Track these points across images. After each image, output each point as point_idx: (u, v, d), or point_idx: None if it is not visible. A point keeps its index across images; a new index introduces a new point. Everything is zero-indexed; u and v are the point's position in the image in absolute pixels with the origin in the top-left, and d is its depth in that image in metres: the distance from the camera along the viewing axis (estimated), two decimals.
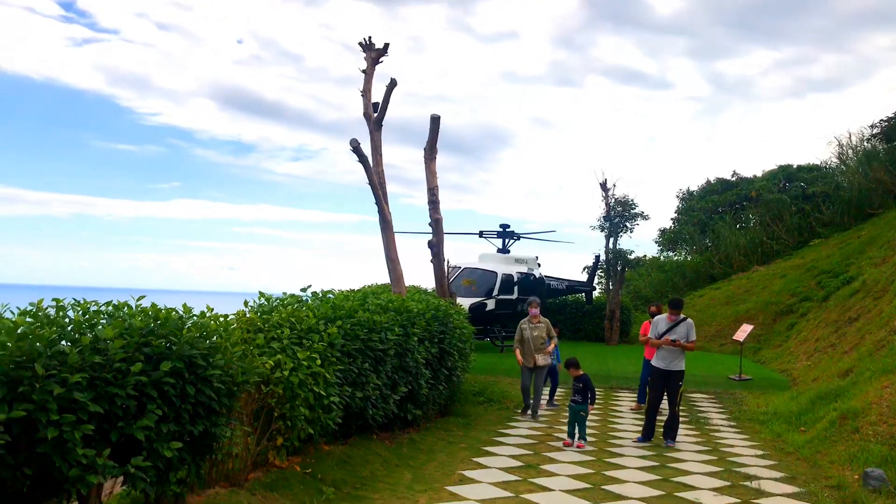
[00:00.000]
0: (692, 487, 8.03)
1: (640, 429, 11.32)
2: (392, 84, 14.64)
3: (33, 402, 4.32)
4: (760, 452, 10.09)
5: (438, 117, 14.63)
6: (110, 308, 5.36)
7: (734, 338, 19.63)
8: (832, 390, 12.53)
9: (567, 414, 10.47)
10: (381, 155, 14.66)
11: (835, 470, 8.91)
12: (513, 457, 9.17)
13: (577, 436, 10.04)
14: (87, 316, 5.12)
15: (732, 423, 12.48)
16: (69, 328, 4.93)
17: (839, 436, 10.06)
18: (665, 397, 10.46)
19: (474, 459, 8.93)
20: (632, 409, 13.56)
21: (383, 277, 17.02)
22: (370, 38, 15.28)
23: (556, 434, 10.79)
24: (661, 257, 43.36)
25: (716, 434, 11.44)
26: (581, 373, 10.30)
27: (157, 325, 5.29)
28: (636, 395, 14.50)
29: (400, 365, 9.29)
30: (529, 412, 12.38)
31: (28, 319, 4.73)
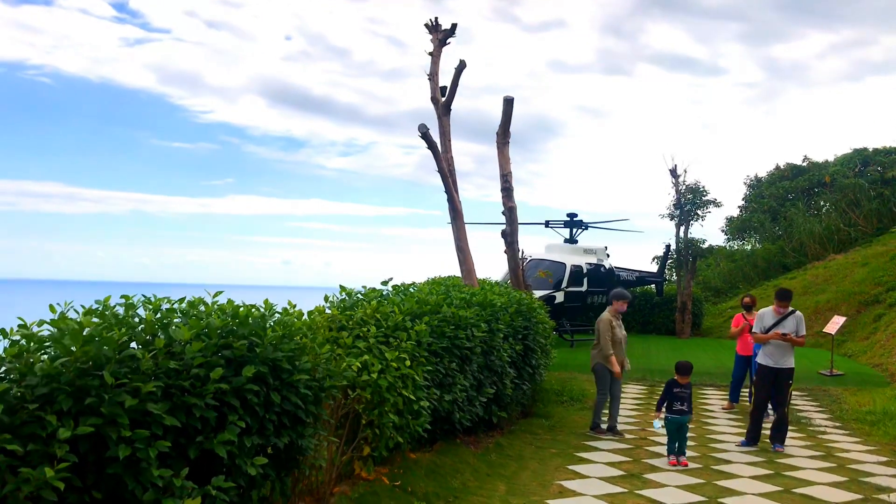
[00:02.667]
0: (821, 501, 7.15)
1: (740, 430, 10.42)
2: (461, 66, 13.90)
3: (102, 415, 3.71)
4: (883, 459, 9.13)
5: (512, 99, 13.84)
6: (184, 305, 4.74)
7: (825, 330, 18.44)
8: None
9: (655, 426, 8.95)
10: (450, 141, 13.93)
11: None
12: (610, 464, 8.39)
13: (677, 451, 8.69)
14: (159, 315, 4.50)
15: (837, 424, 11.48)
16: (140, 329, 4.32)
17: None
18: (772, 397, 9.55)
19: (569, 467, 8.18)
20: (723, 409, 12.63)
21: (440, 269, 16.35)
22: (436, 18, 14.56)
23: (650, 437, 9.96)
24: (728, 246, 41.84)
25: (824, 437, 10.48)
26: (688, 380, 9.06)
27: (236, 324, 4.65)
28: (726, 393, 13.56)
29: (485, 364, 8.58)
30: (606, 429, 10.06)
31: (94, 320, 4.13)
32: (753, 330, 9.84)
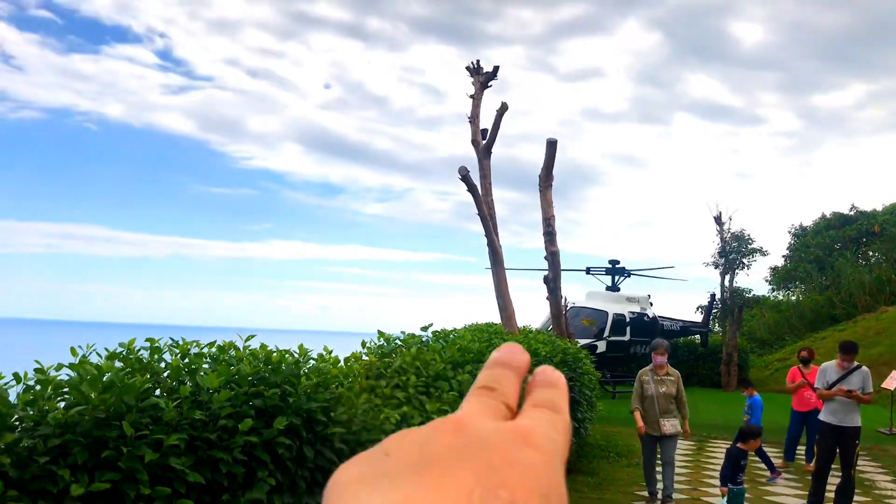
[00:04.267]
0: None
1: (800, 494, 9.78)
2: (503, 108, 13.71)
3: (120, 470, 3.38)
4: None
5: (555, 142, 13.56)
6: (214, 350, 4.43)
7: (883, 386, 17.60)
8: None
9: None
10: (490, 184, 13.67)
11: None
12: None
13: None
14: (186, 360, 4.19)
15: None
16: (165, 375, 4.00)
17: None
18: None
19: None
20: (778, 469, 11.93)
21: (475, 316, 15.95)
22: (478, 61, 14.42)
23: (702, 497, 9.36)
24: (772, 297, 40.82)
25: (889, 501, 9.78)
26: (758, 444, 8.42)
27: (268, 371, 4.31)
28: (779, 451, 12.86)
29: None
30: (661, 499, 8.95)
31: (117, 364, 3.83)
32: (816, 385, 9.26)
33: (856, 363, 8.96)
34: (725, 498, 7.74)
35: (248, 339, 4.53)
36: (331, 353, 5.02)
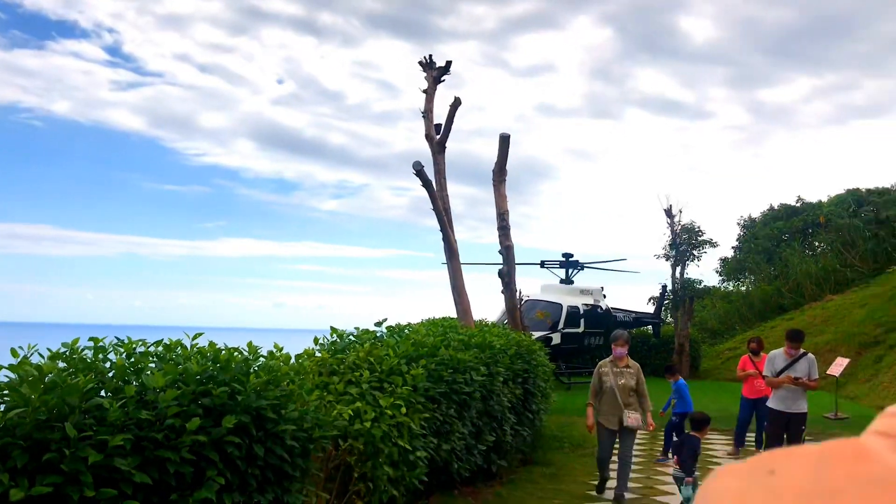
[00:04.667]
0: None
1: None
2: (456, 103, 13.69)
3: (62, 472, 3.31)
4: None
5: (508, 136, 13.60)
6: (160, 349, 4.35)
7: (828, 372, 18.04)
8: None
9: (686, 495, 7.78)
10: (445, 179, 13.64)
11: None
12: None
13: None
14: (132, 359, 4.11)
15: None
16: (110, 375, 3.92)
17: None
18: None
19: None
20: (729, 454, 12.17)
21: (434, 311, 15.98)
22: (430, 56, 14.38)
23: (658, 486, 9.50)
24: (722, 287, 41.56)
25: None
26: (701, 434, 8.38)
27: (217, 369, 4.25)
28: (729, 438, 13.11)
29: (485, 410, 8.16)
30: (612, 498, 8.52)
31: (60, 365, 3.74)
32: (765, 373, 9.46)
33: (802, 350, 9.16)
34: (691, 487, 7.72)
35: (195, 338, 4.46)
36: (281, 350, 4.97)
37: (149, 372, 4.00)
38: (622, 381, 8.54)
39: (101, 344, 4.10)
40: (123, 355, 4.12)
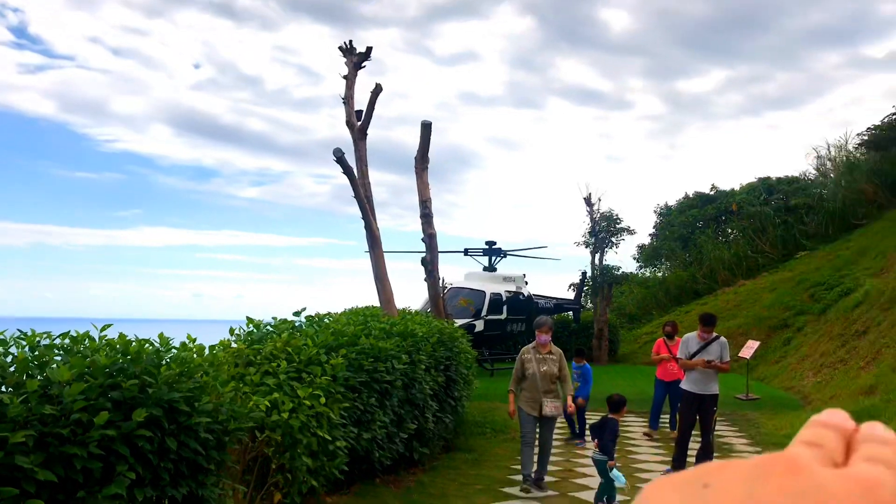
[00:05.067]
0: None
1: (664, 459, 10.28)
2: (377, 90, 13.60)
3: None
4: None
5: (429, 124, 13.59)
6: (67, 342, 4.19)
7: (740, 355, 18.70)
8: (863, 410, 11.62)
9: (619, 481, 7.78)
10: (367, 166, 13.55)
11: None
12: (538, 500, 8.05)
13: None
14: (36, 352, 3.95)
15: (758, 449, 11.48)
16: (11, 369, 3.76)
17: None
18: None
19: None
20: (644, 435, 12.51)
21: (358, 300, 15.93)
22: (351, 41, 14.24)
23: (576, 469, 9.69)
24: (640, 273, 42.62)
25: None
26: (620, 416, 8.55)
27: (127, 361, 4.13)
28: (646, 420, 13.46)
29: (406, 398, 8.16)
30: (531, 483, 8.38)
31: None
32: (679, 356, 9.72)
33: (715, 334, 9.45)
34: (614, 470, 7.74)
35: (104, 329, 4.31)
36: (194, 341, 4.85)
37: (54, 365, 3.85)
38: (545, 368, 8.45)
39: (1, 337, 3.92)
40: (26, 349, 3.95)
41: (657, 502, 0.38)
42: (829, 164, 36.13)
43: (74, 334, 4.25)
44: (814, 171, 37.46)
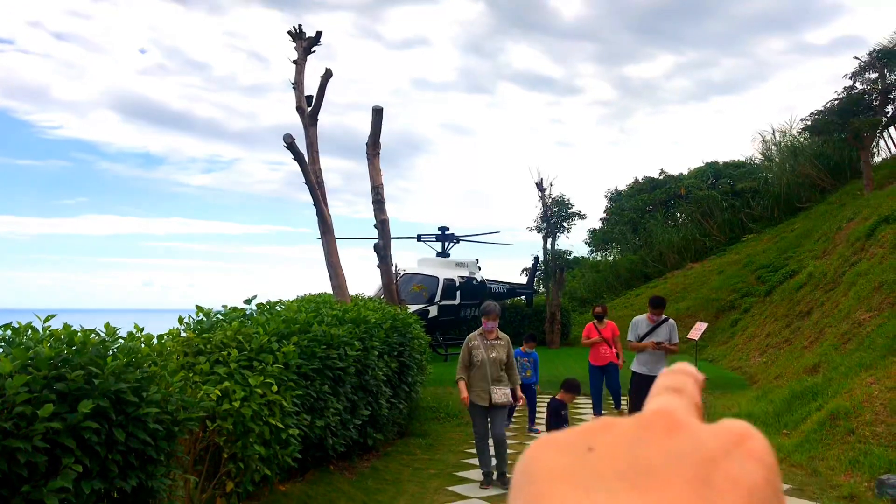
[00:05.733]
0: None
1: None
2: (327, 74, 13.47)
3: None
4: None
5: (381, 109, 13.52)
6: (9, 333, 4.09)
7: (688, 336, 19.03)
8: (807, 388, 11.91)
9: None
10: (317, 152, 13.43)
11: (839, 477, 8.19)
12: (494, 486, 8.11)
13: None
14: None
15: None
16: None
17: (832, 438, 9.37)
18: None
19: (449, 489, 7.85)
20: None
21: (311, 287, 15.82)
22: (300, 25, 14.07)
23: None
24: (591, 258, 43.14)
25: None
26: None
27: (72, 352, 4.04)
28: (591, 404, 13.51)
29: (360, 384, 8.14)
30: (495, 478, 8.03)
31: None
32: (629, 338, 9.82)
33: (664, 316, 9.60)
34: None
35: (47, 320, 4.21)
36: (142, 330, 4.76)
37: None
38: (493, 355, 8.10)
39: None
40: None
41: (541, 464, 0.38)
42: (774, 149, 36.88)
43: (16, 325, 4.14)
44: (759, 156, 38.24)
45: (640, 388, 9.52)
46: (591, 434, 0.39)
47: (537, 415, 11.70)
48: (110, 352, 4.25)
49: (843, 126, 25.51)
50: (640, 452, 0.38)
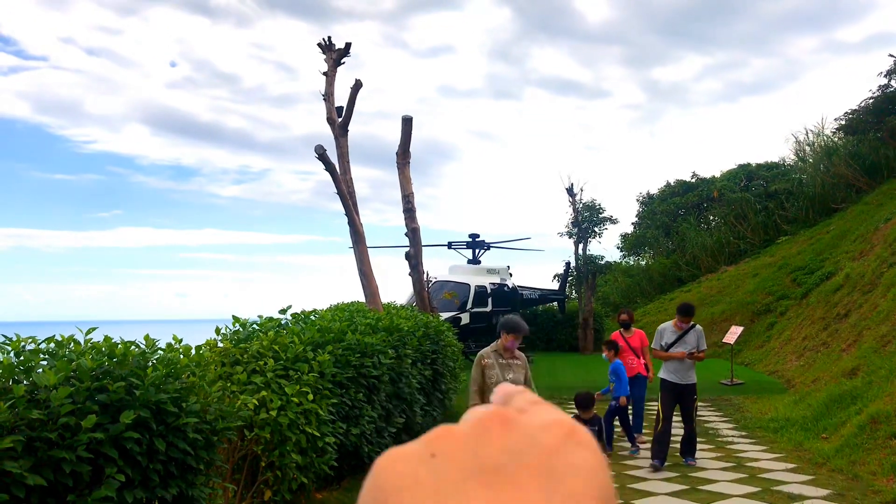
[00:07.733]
0: None
1: (646, 448, 10.32)
2: (357, 85, 13.60)
3: None
4: (790, 466, 9.20)
5: (410, 119, 13.61)
6: (52, 346, 4.18)
7: (723, 341, 18.89)
8: (846, 392, 11.74)
9: None
10: (348, 162, 13.56)
11: (881, 482, 8.05)
12: None
13: None
14: (21, 357, 3.94)
15: (743, 434, 11.60)
16: None
17: (872, 443, 9.22)
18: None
19: None
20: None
21: (343, 296, 15.87)
22: (329, 38, 14.21)
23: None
24: (624, 262, 42.84)
25: (731, 447, 10.53)
26: (594, 413, 8.55)
27: (113, 364, 4.13)
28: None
29: (394, 392, 8.19)
30: None
31: None
32: (654, 346, 9.71)
33: (691, 323, 9.49)
34: None
35: (89, 332, 4.30)
36: (180, 341, 4.85)
37: (39, 370, 3.85)
38: (511, 376, 6.88)
39: None
40: (11, 354, 3.94)
41: (389, 476, 0.40)
42: (807, 150, 36.38)
43: (59, 338, 4.24)
44: (793, 157, 37.75)
45: (670, 395, 9.41)
46: (432, 441, 0.41)
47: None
48: (150, 363, 4.33)
49: (878, 124, 25.14)
50: (482, 452, 0.39)
